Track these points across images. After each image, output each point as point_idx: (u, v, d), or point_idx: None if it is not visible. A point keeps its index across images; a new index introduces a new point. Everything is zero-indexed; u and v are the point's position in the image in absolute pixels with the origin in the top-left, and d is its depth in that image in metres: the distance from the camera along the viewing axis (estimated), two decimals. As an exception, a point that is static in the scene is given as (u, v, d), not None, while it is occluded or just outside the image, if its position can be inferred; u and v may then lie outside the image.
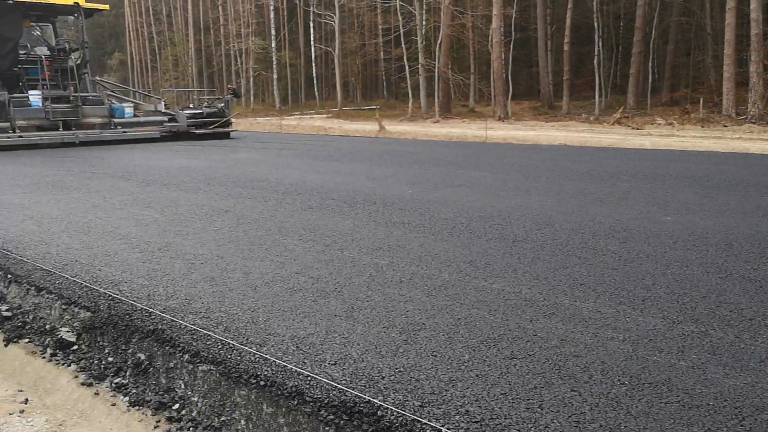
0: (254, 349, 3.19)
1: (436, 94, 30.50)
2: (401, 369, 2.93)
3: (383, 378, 2.85)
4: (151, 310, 3.81)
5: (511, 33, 31.06)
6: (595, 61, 29.84)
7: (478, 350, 3.14)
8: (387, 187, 8.42)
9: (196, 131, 18.04)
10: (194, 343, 3.35)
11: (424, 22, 31.85)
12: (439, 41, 30.36)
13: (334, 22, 37.38)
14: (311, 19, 40.38)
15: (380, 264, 4.68)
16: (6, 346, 4.03)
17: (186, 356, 3.29)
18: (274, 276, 4.42)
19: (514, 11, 30.92)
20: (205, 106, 19.67)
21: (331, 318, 3.60)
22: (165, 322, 3.64)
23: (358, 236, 5.57)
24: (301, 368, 2.96)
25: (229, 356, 3.17)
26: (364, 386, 2.78)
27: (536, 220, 6.19)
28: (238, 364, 3.10)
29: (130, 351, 3.58)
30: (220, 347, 3.27)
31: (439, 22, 31.13)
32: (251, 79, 44.44)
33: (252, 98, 44.34)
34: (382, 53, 38.33)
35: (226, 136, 18.55)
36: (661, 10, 30.93)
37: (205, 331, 3.43)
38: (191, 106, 21.60)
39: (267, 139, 18.97)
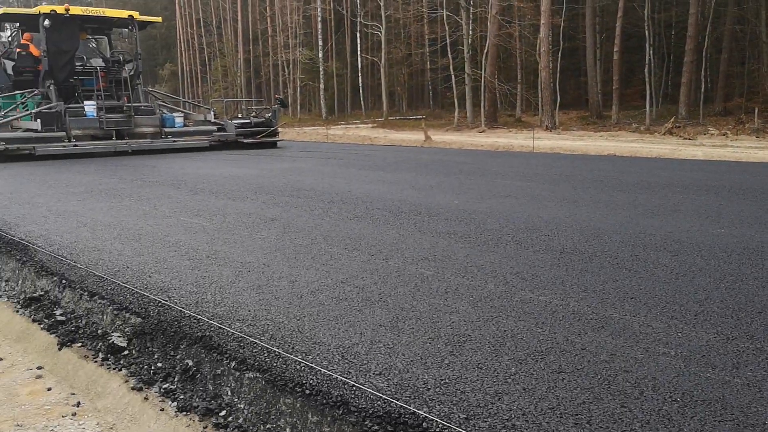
0: (300, 357, 3.20)
1: (482, 104, 30.36)
2: (446, 380, 2.91)
3: (428, 389, 2.83)
4: (199, 317, 3.86)
5: (559, 42, 30.74)
6: (646, 70, 29.31)
7: (525, 363, 3.09)
8: (432, 196, 8.40)
9: (244, 140, 18.31)
10: (241, 351, 3.38)
11: (470, 32, 31.77)
12: (485, 51, 30.24)
13: (380, 32, 37.59)
14: (358, 29, 40.70)
15: (425, 274, 4.66)
16: (60, 349, 4.13)
17: (233, 363, 3.33)
18: (320, 285, 4.44)
19: (563, 20, 30.61)
20: (253, 116, 19.97)
21: (376, 328, 3.59)
22: (212, 329, 3.68)
23: (403, 246, 5.56)
24: (346, 378, 2.96)
25: (274, 364, 3.19)
26: (409, 397, 2.76)
27: (584, 232, 6.08)
28: (284, 372, 3.11)
29: (178, 357, 3.63)
30: (266, 355, 3.29)
31: (486, 32, 31.02)
32: (298, 89, 44.97)
33: (299, 108, 44.86)
34: (428, 63, 38.39)
35: (273, 145, 18.78)
36: (714, 18, 30.22)
37: (252, 339, 3.46)
38: (239, 116, 21.97)
39: (313, 148, 19.16)
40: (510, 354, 3.20)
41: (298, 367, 3.13)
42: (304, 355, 3.24)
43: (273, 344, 3.38)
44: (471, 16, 32.09)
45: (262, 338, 3.48)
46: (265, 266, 4.97)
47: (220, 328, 3.67)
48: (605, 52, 34.04)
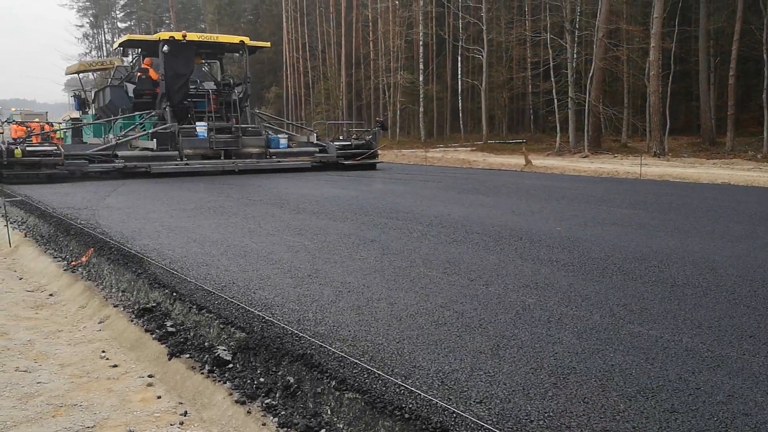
0: (400, 380, 3.19)
1: (585, 128, 29.61)
2: (551, 413, 2.81)
3: (531, 421, 2.75)
4: (301, 334, 3.93)
5: (670, 65, 29.62)
6: (764, 95, 27.69)
7: (635, 400, 2.95)
8: (534, 222, 8.23)
9: (345, 162, 18.66)
10: (341, 371, 3.41)
11: (575, 55, 31.17)
12: (590, 74, 29.54)
13: (482, 56, 37.52)
14: (459, 53, 40.79)
15: (527, 302, 4.55)
16: (169, 359, 4.30)
17: (333, 383, 3.35)
18: (419, 308, 4.42)
19: (674, 43, 29.50)
20: (354, 138, 20.32)
21: (476, 354, 3.53)
22: (314, 347, 3.73)
23: (503, 272, 5.46)
24: (446, 404, 2.92)
25: (374, 386, 3.19)
26: (512, 428, 2.69)
27: (697, 264, 5.77)
28: (383, 395, 3.11)
29: (280, 373, 3.70)
30: (366, 376, 3.30)
31: (591, 55, 30.33)
32: (398, 112, 45.48)
33: (398, 130, 45.31)
34: (530, 86, 37.90)
35: (372, 167, 19.03)
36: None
37: (353, 359, 3.48)
38: (341, 137, 22.43)
39: (412, 170, 19.27)
40: (618, 390, 3.06)
41: (397, 390, 3.11)
42: (403, 378, 3.22)
43: (373, 366, 3.39)
44: (576, 39, 31.49)
45: (362, 359, 3.49)
46: (365, 287, 5.00)
47: (321, 346, 3.71)
48: (719, 76, 32.47)
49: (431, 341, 3.76)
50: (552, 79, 32.06)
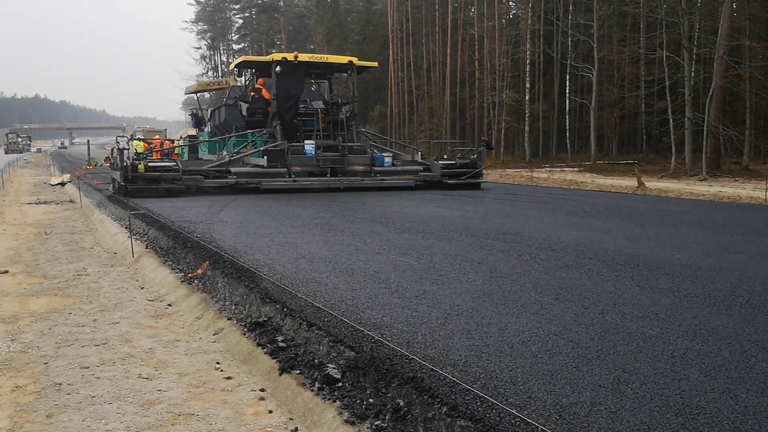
0: (515, 411, 3.08)
1: (703, 150, 28.10)
2: (681, 458, 2.62)
3: (659, 466, 2.57)
4: (411, 356, 3.88)
5: (798, 84, 27.76)
6: None
7: (776, 450, 2.70)
8: (650, 248, 7.84)
9: (449, 181, 18.57)
10: (453, 396, 3.33)
11: (692, 74, 29.75)
12: (710, 93, 28.09)
13: (592, 74, 36.54)
14: (568, 71, 39.91)
15: (648, 334, 4.31)
16: (280, 374, 4.37)
17: (444, 408, 3.28)
18: (531, 335, 4.29)
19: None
20: (459, 157, 20.21)
21: (595, 388, 3.37)
22: (424, 370, 3.68)
23: (620, 301, 5.21)
24: (565, 440, 2.79)
25: (487, 415, 3.10)
26: (638, 472, 2.53)
27: (838, 300, 5.29)
28: (497, 425, 3.01)
29: (389, 395, 3.67)
30: (478, 404, 3.21)
31: (711, 74, 28.86)
32: (502, 131, 45.00)
33: (502, 150, 44.80)
34: (642, 106, 36.52)
35: (476, 186, 18.83)
36: None
37: (465, 385, 3.40)
38: (445, 156, 22.39)
39: (517, 191, 18.94)
40: (756, 436, 2.83)
41: (513, 421, 3.01)
42: (519, 409, 3.11)
43: (486, 393, 3.29)
44: (694, 56, 30.09)
45: (475, 386, 3.41)
46: (474, 311, 4.91)
47: (432, 370, 3.65)
48: None
49: (546, 371, 3.63)
50: (667, 98, 30.71)
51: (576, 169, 33.33)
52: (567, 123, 41.60)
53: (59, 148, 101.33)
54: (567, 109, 41.47)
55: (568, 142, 41.47)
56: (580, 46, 39.29)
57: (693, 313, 4.84)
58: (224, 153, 18.82)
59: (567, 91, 41.30)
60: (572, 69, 39.43)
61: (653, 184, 21.96)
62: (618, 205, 13.90)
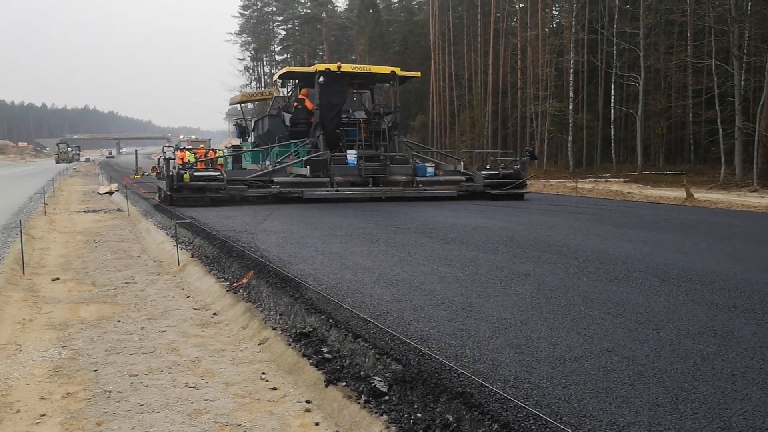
0: (570, 430, 2.98)
1: (754, 160, 27.31)
2: (749, 485, 2.50)
3: (726, 493, 2.45)
4: (460, 371, 3.81)
5: None
6: None
7: None
8: (703, 262, 7.60)
9: (491, 191, 18.39)
10: (504, 413, 3.25)
11: (742, 82, 28.98)
12: (761, 102, 27.32)
13: (638, 83, 35.90)
14: (613, 80, 39.30)
15: (705, 351, 4.16)
16: (326, 386, 4.34)
17: (495, 426, 3.20)
18: (584, 351, 4.17)
19: None
20: (502, 167, 20.03)
21: (653, 407, 3.24)
22: (473, 385, 3.60)
23: (675, 316, 5.05)
24: (624, 463, 2.68)
25: (541, 434, 3.01)
26: (704, 499, 2.41)
27: None
28: (552, 445, 2.91)
29: (438, 410, 3.59)
30: (531, 422, 3.13)
31: (762, 82, 28.07)
32: (545, 141, 44.49)
33: (545, 160, 44.26)
34: (690, 115, 35.70)
35: (520, 197, 18.62)
36: None
37: (516, 402, 3.32)
38: (487, 166, 22.23)
39: (561, 201, 18.65)
40: (829, 463, 2.68)
41: (568, 441, 2.91)
42: (574, 428, 3.01)
43: (540, 411, 3.20)
44: (744, 65, 29.32)
45: (527, 403, 3.31)
46: (523, 324, 4.81)
47: (481, 385, 3.58)
48: None
49: (601, 389, 3.51)
50: (716, 107, 29.96)
51: (621, 179, 32.72)
52: (612, 133, 40.90)
53: (107, 157, 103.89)
54: (612, 118, 40.78)
55: (612, 152, 40.76)
56: (625, 55, 38.66)
57: (752, 330, 4.65)
58: (267, 163, 19.02)
59: (612, 101, 40.61)
60: (617, 78, 38.80)
61: (702, 195, 21.41)
62: (667, 216, 13.57)
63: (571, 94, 41.93)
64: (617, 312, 5.17)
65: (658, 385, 3.57)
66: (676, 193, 21.93)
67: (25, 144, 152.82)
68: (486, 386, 3.56)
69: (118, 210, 18.96)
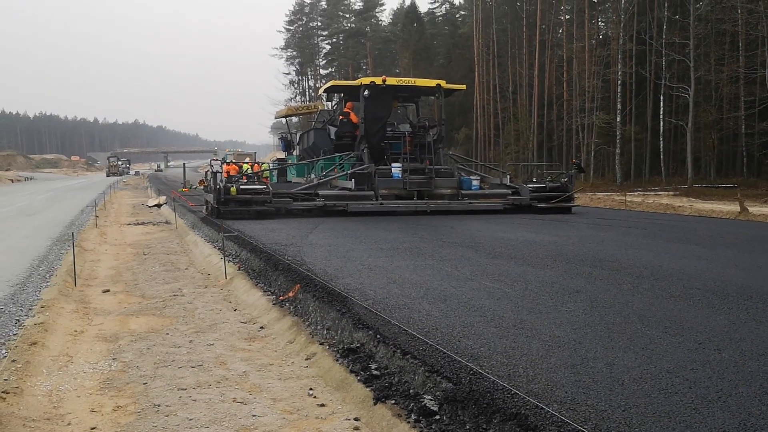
0: (633, 458, 2.85)
1: (812, 173, 26.44)
2: None
3: None
4: (514, 391, 3.69)
5: None
6: None
7: None
8: (763, 279, 7.30)
9: (538, 205, 18.13)
10: (561, 438, 3.13)
11: (797, 92, 28.10)
12: (817, 113, 26.46)
13: (688, 95, 35.10)
14: (662, 92, 38.50)
15: (773, 374, 3.95)
16: (374, 404, 4.26)
17: (552, 450, 3.08)
18: (642, 372, 4.01)
19: None
20: (548, 180, 19.75)
21: (720, 435, 3.08)
22: (528, 406, 3.48)
23: (736, 336, 4.83)
24: (693, 494, 2.54)
25: (602, 460, 2.88)
26: None
27: None
28: (613, 472, 2.78)
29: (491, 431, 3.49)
30: (591, 448, 2.99)
31: (820, 92, 27.17)
32: (592, 154, 43.77)
33: (591, 173, 43.49)
34: (743, 127, 34.70)
35: (567, 210, 18.30)
36: None
37: (575, 425, 3.19)
38: (534, 179, 21.91)
39: (610, 215, 18.26)
40: None
41: (631, 469, 2.77)
42: (637, 455, 2.87)
43: (599, 437, 3.07)
44: (799, 74, 28.43)
45: (586, 426, 3.18)
46: (577, 343, 4.66)
47: (537, 407, 3.45)
48: None
49: (662, 412, 3.36)
50: (771, 118, 29.09)
51: (671, 192, 31.94)
52: (661, 145, 40.04)
53: (156, 171, 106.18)
54: (661, 130, 39.94)
55: (662, 164, 39.89)
56: (674, 66, 37.87)
57: (823, 353, 4.41)
58: (312, 176, 19.13)
59: (661, 112, 39.79)
60: (666, 89, 38.02)
61: (757, 209, 20.71)
62: (721, 231, 13.14)
63: (619, 106, 41.21)
64: (675, 331, 4.98)
65: (723, 410, 3.39)
66: (729, 207, 21.28)
67: (78, 158, 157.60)
68: (542, 408, 3.44)
69: (166, 222, 19.28)
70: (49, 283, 8.91)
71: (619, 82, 41.25)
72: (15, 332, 6.30)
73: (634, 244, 10.65)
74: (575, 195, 19.89)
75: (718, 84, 36.44)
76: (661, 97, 39.33)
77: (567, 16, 51.14)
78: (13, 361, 5.22)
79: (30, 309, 7.32)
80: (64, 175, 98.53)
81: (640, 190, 34.03)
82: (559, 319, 5.41)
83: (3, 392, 4.48)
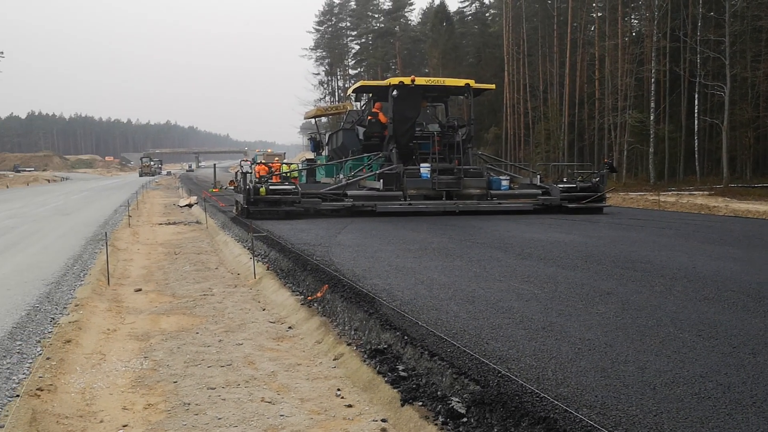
0: (664, 465, 2.79)
1: None
2: None
3: None
4: (543, 394, 3.65)
5: None
6: None
7: None
8: (801, 281, 7.13)
9: (569, 205, 17.92)
10: (591, 443, 3.08)
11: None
12: None
13: (723, 93, 34.45)
14: (696, 90, 37.83)
15: (811, 380, 3.85)
16: (402, 405, 4.25)
17: (581, 455, 3.04)
18: (674, 376, 3.93)
19: None
20: (579, 180, 19.52)
21: (756, 442, 3.01)
22: (557, 411, 3.44)
23: (773, 340, 4.72)
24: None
25: (632, 467, 2.83)
26: None
27: None
28: (644, 479, 2.73)
29: (519, 435, 3.45)
30: (621, 453, 2.94)
31: None
32: (624, 153, 43.17)
33: (624, 172, 42.90)
34: (780, 125, 34.02)
35: (598, 211, 18.07)
36: None
37: (604, 430, 3.14)
38: (564, 179, 21.68)
39: (643, 215, 17.99)
40: None
41: (662, 476, 2.72)
42: (668, 462, 2.82)
43: (629, 442, 3.02)
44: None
45: (616, 431, 3.13)
46: (608, 346, 4.59)
47: (566, 411, 3.41)
48: None
49: (695, 418, 3.29)
50: (809, 116, 28.41)
51: (706, 192, 31.38)
52: (695, 144, 39.35)
53: (187, 171, 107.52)
54: (695, 129, 39.25)
55: (696, 164, 39.21)
56: (710, 63, 37.20)
57: None
58: (341, 176, 19.17)
59: (696, 111, 39.10)
60: (701, 87, 37.34)
61: (795, 209, 20.26)
62: (759, 232, 12.86)
63: (653, 105, 40.59)
64: (709, 334, 4.88)
65: (758, 416, 3.32)
66: (766, 207, 20.83)
67: (111, 158, 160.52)
68: (571, 412, 3.40)
69: (197, 222, 19.50)
70: (83, 282, 9.08)
71: (653, 80, 40.64)
72: (50, 330, 6.42)
73: (668, 245, 10.48)
74: (607, 195, 19.63)
75: (755, 81, 35.72)
76: (696, 95, 38.64)
77: (599, 14, 50.56)
78: (48, 358, 5.32)
79: (65, 307, 7.47)
80: (99, 175, 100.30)
81: (674, 190, 33.50)
82: (590, 321, 5.34)
83: (38, 389, 4.57)
